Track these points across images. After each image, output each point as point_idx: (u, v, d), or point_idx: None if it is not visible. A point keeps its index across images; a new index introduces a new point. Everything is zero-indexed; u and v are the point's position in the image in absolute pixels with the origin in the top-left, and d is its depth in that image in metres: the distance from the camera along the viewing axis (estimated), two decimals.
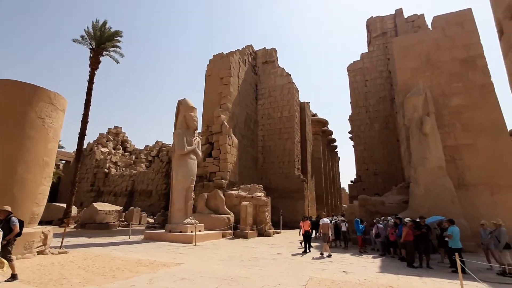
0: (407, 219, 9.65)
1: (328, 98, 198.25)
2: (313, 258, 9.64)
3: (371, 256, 10.61)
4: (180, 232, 13.10)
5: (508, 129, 14.82)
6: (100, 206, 19.87)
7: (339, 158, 50.43)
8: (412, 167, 13.60)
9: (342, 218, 14.72)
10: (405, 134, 15.79)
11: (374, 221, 12.20)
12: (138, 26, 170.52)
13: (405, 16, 25.11)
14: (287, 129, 27.79)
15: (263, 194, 18.41)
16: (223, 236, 15.10)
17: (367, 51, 27.61)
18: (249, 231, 15.61)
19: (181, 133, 14.37)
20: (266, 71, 30.40)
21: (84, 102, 21.22)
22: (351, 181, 26.19)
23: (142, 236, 13.89)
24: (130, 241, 12.83)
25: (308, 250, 11.05)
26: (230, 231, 15.59)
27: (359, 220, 12.60)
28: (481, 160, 13.29)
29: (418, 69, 15.58)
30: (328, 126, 38.84)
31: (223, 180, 19.37)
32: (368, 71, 26.24)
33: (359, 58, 27.14)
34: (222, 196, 17.35)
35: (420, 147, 13.29)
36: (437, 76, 15.09)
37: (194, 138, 14.97)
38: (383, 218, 12.38)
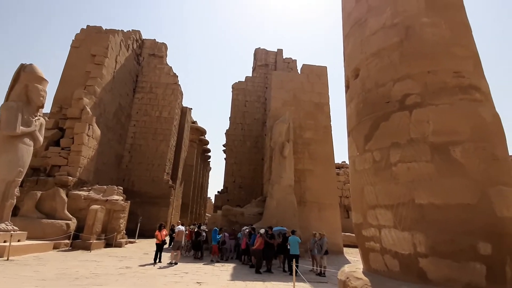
0: (262, 230, 10.84)
1: (209, 108, 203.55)
2: (162, 268, 9.17)
3: (224, 264, 11.16)
4: None
5: (336, 162, 19.88)
6: None
7: (210, 168, 51.92)
8: (271, 184, 15.69)
9: (204, 227, 14.88)
10: (270, 154, 18.17)
11: (221, 229, 13.07)
12: None
13: (284, 57, 29.86)
14: (164, 130, 26.11)
15: (121, 198, 16.15)
16: (55, 247, 11.99)
17: (251, 75, 30.57)
18: (94, 241, 13.13)
19: (15, 107, 10.69)
20: (151, 64, 27.93)
21: None
22: (218, 192, 27.31)
23: None
24: None
25: (159, 261, 10.58)
26: (67, 241, 12.59)
27: (217, 229, 13.07)
28: (317, 183, 17.10)
29: (287, 102, 18.62)
30: (205, 135, 39.53)
31: (69, 177, 15.67)
32: (249, 93, 28.95)
33: (244, 80, 29.63)
34: (64, 197, 13.94)
35: (279, 167, 15.59)
36: (299, 111, 18.51)
37: (37, 118, 11.49)
38: (244, 228, 13.38)
